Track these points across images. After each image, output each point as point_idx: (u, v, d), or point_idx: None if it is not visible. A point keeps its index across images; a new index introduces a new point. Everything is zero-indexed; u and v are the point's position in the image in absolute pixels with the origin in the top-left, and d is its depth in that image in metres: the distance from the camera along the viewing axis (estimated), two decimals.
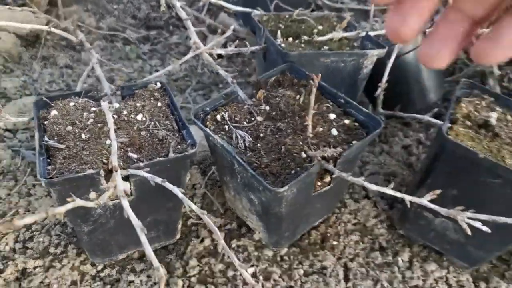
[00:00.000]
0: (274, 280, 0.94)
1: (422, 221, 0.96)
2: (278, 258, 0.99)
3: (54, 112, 0.87)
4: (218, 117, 0.90)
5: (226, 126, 0.88)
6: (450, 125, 0.85)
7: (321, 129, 0.85)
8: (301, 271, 0.96)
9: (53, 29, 1.06)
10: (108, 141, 0.82)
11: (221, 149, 0.83)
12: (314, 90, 0.75)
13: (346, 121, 0.89)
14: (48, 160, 0.79)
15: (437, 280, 0.97)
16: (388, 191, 0.75)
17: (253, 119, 0.90)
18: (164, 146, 0.85)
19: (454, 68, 1.54)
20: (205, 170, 1.17)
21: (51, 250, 0.98)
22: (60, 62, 1.46)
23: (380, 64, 1.13)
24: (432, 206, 0.73)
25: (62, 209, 0.57)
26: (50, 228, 1.02)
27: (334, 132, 0.85)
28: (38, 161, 0.75)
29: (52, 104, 0.90)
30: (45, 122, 0.86)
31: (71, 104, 0.90)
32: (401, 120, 1.35)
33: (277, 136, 0.86)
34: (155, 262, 0.55)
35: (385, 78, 1.06)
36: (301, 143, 0.82)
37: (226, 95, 0.93)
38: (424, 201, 0.74)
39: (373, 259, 0.99)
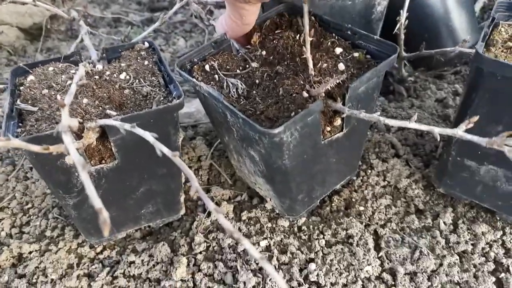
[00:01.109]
0: (292, 253, 0.81)
1: (464, 172, 0.79)
2: (296, 229, 0.86)
3: (31, 78, 0.80)
4: (207, 67, 0.78)
5: (216, 76, 0.76)
6: (485, 49, 0.69)
7: (325, 65, 0.71)
8: (323, 242, 0.82)
9: (39, 3, 1.00)
10: (84, 100, 0.73)
11: (211, 100, 0.72)
12: (306, 10, 0.62)
13: (355, 54, 0.74)
14: (20, 124, 0.70)
15: (490, 244, 0.79)
16: (411, 125, 0.60)
17: (247, 66, 0.78)
18: (149, 102, 0.74)
19: (489, 16, 1.35)
20: (212, 141, 1.06)
21: (48, 233, 0.90)
22: (63, 51, 1.41)
23: (397, 4, 0.97)
24: (468, 136, 0.57)
25: None
26: (47, 211, 0.95)
27: (342, 66, 0.71)
28: (5, 124, 0.67)
29: (30, 71, 0.82)
30: (21, 88, 0.78)
31: (50, 69, 0.82)
32: (432, 73, 1.18)
33: (275, 80, 0.74)
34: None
35: (404, 13, 0.90)
36: (301, 82, 0.69)
37: (215, 43, 0.80)
38: (459, 131, 0.58)
39: (408, 224, 0.84)
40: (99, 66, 0.84)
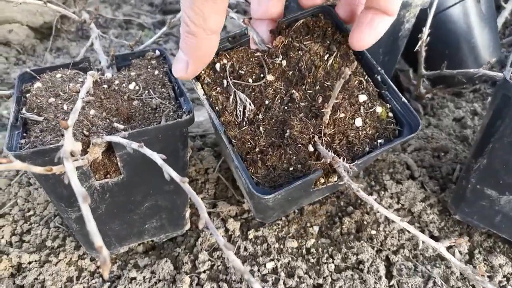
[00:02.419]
0: (299, 277, 0.78)
1: (484, 201, 0.76)
2: (304, 251, 0.82)
3: (37, 85, 0.77)
4: (218, 66, 0.68)
5: (225, 81, 0.68)
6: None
7: (342, 114, 0.64)
8: (332, 266, 0.79)
9: (50, 5, 0.97)
10: (92, 111, 0.70)
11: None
12: (352, 67, 0.55)
13: (378, 110, 0.65)
14: (25, 134, 0.68)
15: (508, 278, 0.76)
16: (403, 224, 0.60)
17: (262, 75, 0.69)
18: (158, 116, 0.72)
19: (511, 32, 1.31)
20: (220, 153, 1.03)
21: (48, 243, 0.88)
22: (73, 52, 1.39)
23: (422, 20, 0.93)
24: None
25: None
26: (49, 219, 0.92)
27: (359, 122, 0.64)
28: (8, 134, 0.65)
29: (38, 77, 0.80)
30: (27, 95, 0.75)
31: (58, 76, 0.79)
32: (450, 90, 1.14)
33: (286, 108, 0.66)
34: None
35: (426, 30, 0.86)
36: (311, 131, 0.63)
37: (232, 38, 0.70)
38: (440, 246, 0.57)
39: (422, 251, 0.80)
40: (108, 74, 0.81)
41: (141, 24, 1.50)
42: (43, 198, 0.95)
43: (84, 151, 0.65)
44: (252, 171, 0.60)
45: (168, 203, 0.80)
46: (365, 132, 0.64)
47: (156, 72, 0.82)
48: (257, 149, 0.62)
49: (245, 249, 0.84)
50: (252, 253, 0.82)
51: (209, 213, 0.91)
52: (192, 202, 0.92)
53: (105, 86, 0.77)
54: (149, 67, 0.84)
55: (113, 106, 0.72)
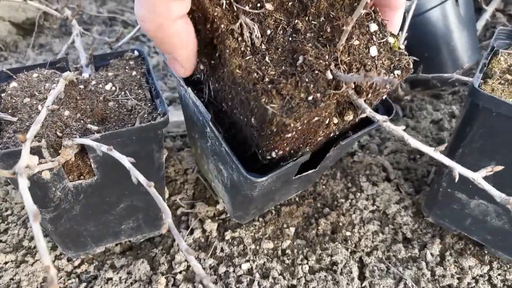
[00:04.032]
0: (274, 278, 0.79)
1: (454, 204, 0.77)
2: (280, 252, 0.83)
3: (13, 84, 0.77)
4: None
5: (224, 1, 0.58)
6: (482, 80, 0.66)
7: (357, 42, 0.58)
8: (306, 268, 0.80)
9: (31, 2, 0.96)
10: (66, 112, 0.70)
11: (192, 108, 0.67)
12: None
13: (391, 40, 0.60)
14: None
15: (476, 279, 0.77)
16: (435, 154, 0.50)
17: (259, 4, 0.60)
18: (133, 117, 0.72)
19: (492, 33, 1.33)
20: None
21: (25, 243, 0.88)
22: (56, 48, 1.38)
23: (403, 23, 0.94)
24: (486, 187, 0.50)
25: None
26: (27, 219, 0.92)
27: (374, 51, 0.58)
28: None
29: (14, 77, 0.80)
30: (2, 95, 0.75)
31: (35, 75, 0.79)
32: (430, 92, 1.15)
33: (291, 39, 0.59)
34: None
35: (403, 33, 0.87)
36: (327, 57, 0.56)
37: None
38: (478, 176, 0.50)
39: (395, 253, 0.81)
40: (86, 75, 0.81)
41: (125, 21, 1.49)
42: (21, 197, 0.95)
43: (57, 152, 0.65)
44: (266, 100, 0.52)
45: (144, 204, 0.80)
46: (381, 61, 0.59)
47: (134, 73, 0.82)
48: (267, 79, 0.55)
49: (222, 249, 0.84)
50: (228, 254, 0.83)
51: (187, 214, 0.91)
52: (169, 202, 0.93)
53: (82, 86, 0.77)
54: (127, 67, 0.83)
55: (88, 107, 0.72)
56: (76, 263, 0.85)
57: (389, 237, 0.84)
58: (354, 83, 0.55)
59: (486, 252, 0.80)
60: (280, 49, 0.58)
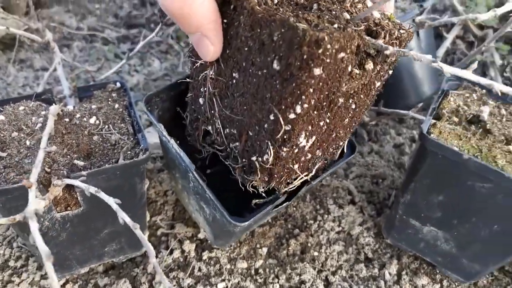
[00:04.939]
0: None
1: (409, 229, 0.86)
2: (253, 271, 0.91)
3: (1, 117, 0.81)
4: None
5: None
6: (433, 121, 0.75)
7: (359, 5, 0.58)
8: (277, 286, 0.88)
9: (12, 29, 1.00)
10: (53, 148, 0.75)
11: (175, 152, 0.74)
12: None
13: (387, 14, 0.61)
14: None
15: None
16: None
17: None
18: (116, 152, 0.77)
19: (452, 59, 1.43)
20: None
21: (11, 263, 0.92)
22: (36, 64, 1.40)
23: None
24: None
25: None
26: (12, 239, 0.96)
27: (376, 14, 0.58)
28: None
29: (1, 109, 0.83)
30: None
31: (21, 108, 0.83)
32: (394, 116, 1.24)
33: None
34: None
35: None
36: (338, 7, 0.55)
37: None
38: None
39: (357, 272, 0.90)
40: (70, 107, 0.86)
41: (105, 38, 1.52)
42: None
43: (46, 188, 0.70)
44: (294, 20, 0.47)
45: (127, 228, 0.85)
46: (385, 22, 0.58)
47: (116, 105, 0.87)
48: (289, 13, 0.51)
49: (199, 269, 0.91)
50: (206, 274, 0.90)
51: (167, 234, 0.97)
52: (150, 223, 0.99)
53: (67, 119, 0.82)
54: (109, 99, 0.88)
55: (74, 142, 0.77)
56: (61, 282, 0.90)
57: (352, 257, 0.93)
58: (368, 28, 0.55)
59: (437, 271, 0.90)
60: (293, 3, 0.55)
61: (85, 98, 0.90)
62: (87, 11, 1.66)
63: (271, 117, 0.54)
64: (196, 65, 0.65)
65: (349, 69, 0.54)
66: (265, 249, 0.94)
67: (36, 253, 0.80)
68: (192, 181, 0.74)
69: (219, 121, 0.65)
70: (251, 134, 0.60)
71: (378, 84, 0.64)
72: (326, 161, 0.71)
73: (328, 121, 0.59)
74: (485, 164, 0.65)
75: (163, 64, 1.43)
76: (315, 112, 0.55)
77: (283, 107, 0.52)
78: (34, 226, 0.46)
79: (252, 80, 0.55)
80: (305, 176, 0.67)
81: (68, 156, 0.75)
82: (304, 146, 0.60)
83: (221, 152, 0.69)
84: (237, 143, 0.64)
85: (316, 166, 0.68)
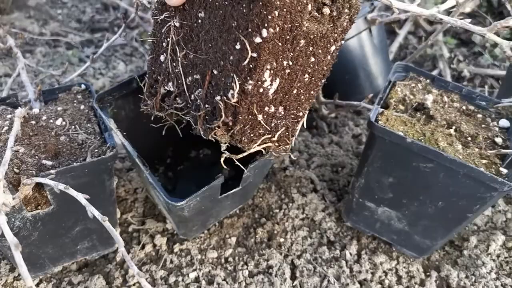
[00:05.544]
0: (218, 283, 0.90)
1: (366, 211, 0.93)
2: (223, 260, 0.95)
3: None
4: None
5: None
6: (381, 110, 0.82)
7: None
8: (246, 272, 0.92)
9: None
10: (21, 150, 0.77)
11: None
12: None
13: None
14: None
15: (386, 272, 0.94)
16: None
17: None
18: (84, 151, 0.80)
19: (405, 53, 1.52)
20: None
21: None
22: None
23: None
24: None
25: None
26: None
27: None
28: None
29: None
30: None
31: None
32: (352, 108, 1.32)
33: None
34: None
35: None
36: None
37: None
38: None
39: (320, 254, 0.96)
40: (36, 110, 0.88)
41: (68, 43, 1.53)
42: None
43: (16, 188, 0.72)
44: None
45: (98, 225, 0.88)
46: None
47: (82, 107, 0.89)
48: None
49: (171, 261, 0.94)
50: (177, 265, 0.93)
51: (138, 230, 1.00)
52: (121, 220, 1.01)
53: (33, 122, 0.84)
54: (75, 101, 0.91)
55: (41, 143, 0.79)
56: (35, 282, 0.91)
57: (316, 241, 0.99)
58: None
59: (393, 249, 0.97)
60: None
61: (50, 101, 0.92)
62: (49, 16, 1.65)
63: (237, 46, 0.56)
64: (159, 21, 0.66)
65: (309, 8, 0.56)
66: (234, 239, 0.99)
67: (8, 253, 0.81)
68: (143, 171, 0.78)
69: (181, 71, 0.66)
70: (215, 72, 0.60)
71: (333, 48, 0.65)
72: (280, 143, 0.69)
73: (291, 63, 0.60)
74: (426, 146, 0.73)
75: (128, 67, 1.45)
76: (279, 44, 0.56)
77: (250, 30, 0.53)
78: (2, 219, 0.49)
79: (219, 13, 0.57)
80: (267, 140, 0.65)
81: (36, 157, 0.77)
82: (269, 89, 0.60)
83: (182, 110, 0.68)
84: (199, 89, 0.64)
85: (279, 132, 0.66)
